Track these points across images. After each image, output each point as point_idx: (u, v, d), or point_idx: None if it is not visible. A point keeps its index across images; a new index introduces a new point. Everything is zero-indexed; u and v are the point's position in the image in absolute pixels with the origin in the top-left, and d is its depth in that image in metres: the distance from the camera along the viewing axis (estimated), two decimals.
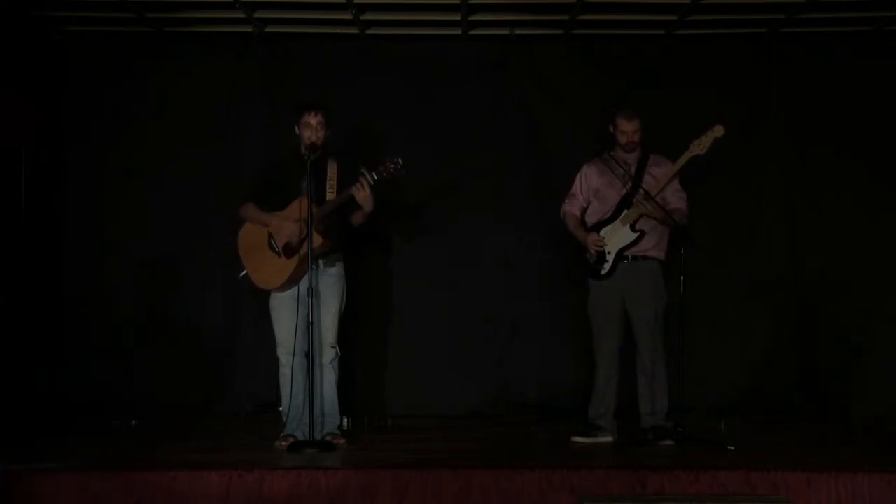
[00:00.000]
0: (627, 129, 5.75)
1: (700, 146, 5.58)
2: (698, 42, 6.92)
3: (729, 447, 5.36)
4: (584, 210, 5.94)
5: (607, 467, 4.84)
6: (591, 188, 5.89)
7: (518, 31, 6.86)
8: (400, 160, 5.44)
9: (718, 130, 5.56)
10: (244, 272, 5.69)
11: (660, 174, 5.73)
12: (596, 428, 5.77)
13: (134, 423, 6.46)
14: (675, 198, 5.76)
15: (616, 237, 5.74)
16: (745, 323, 6.89)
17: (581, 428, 5.83)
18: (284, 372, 5.61)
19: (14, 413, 6.07)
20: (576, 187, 5.96)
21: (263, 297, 5.80)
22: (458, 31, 6.83)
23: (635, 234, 5.70)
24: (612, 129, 5.81)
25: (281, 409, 5.79)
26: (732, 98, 6.81)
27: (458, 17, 6.57)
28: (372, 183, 5.40)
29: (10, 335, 6.28)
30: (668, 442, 5.48)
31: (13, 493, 4.62)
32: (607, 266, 5.75)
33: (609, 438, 5.74)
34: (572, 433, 5.81)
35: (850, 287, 6.78)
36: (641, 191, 5.66)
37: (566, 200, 5.98)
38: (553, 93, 6.99)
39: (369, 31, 6.86)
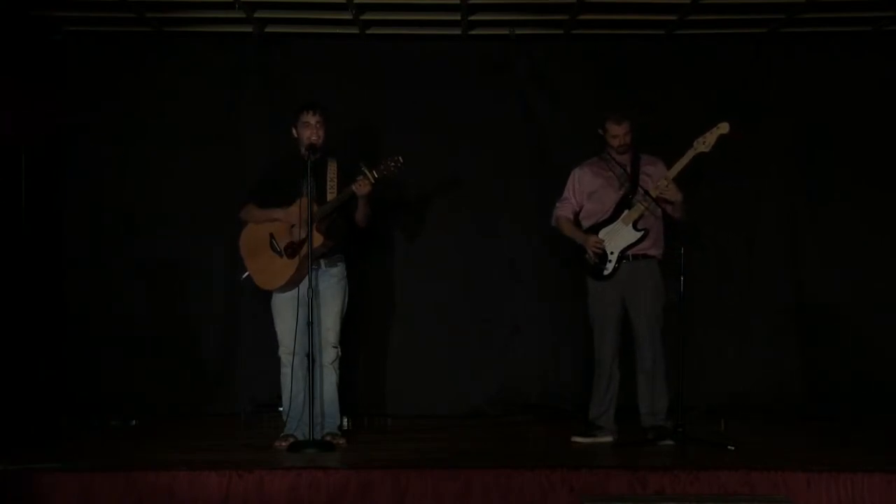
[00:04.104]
0: (618, 132, 5.72)
1: (704, 144, 5.53)
2: (698, 42, 6.92)
3: (729, 447, 5.36)
4: (576, 213, 5.91)
5: (607, 467, 4.84)
6: (584, 191, 5.86)
7: (518, 31, 6.86)
8: (401, 158, 5.44)
9: (723, 127, 5.52)
10: (246, 274, 5.69)
11: (654, 172, 5.71)
12: (596, 428, 5.77)
13: (134, 423, 6.46)
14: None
15: (618, 237, 5.71)
16: (745, 323, 6.89)
17: (581, 428, 5.83)
18: (285, 372, 5.60)
19: (14, 413, 6.06)
20: (568, 191, 5.92)
21: (263, 297, 5.80)
22: (458, 31, 6.83)
23: (639, 233, 5.68)
24: (602, 134, 5.78)
25: (281, 409, 5.80)
26: (732, 98, 6.81)
27: (458, 17, 6.57)
28: (373, 181, 5.40)
29: (10, 335, 6.27)
30: (668, 442, 5.48)
31: (13, 493, 4.62)
32: (611, 266, 5.73)
33: (609, 438, 5.73)
34: (572, 433, 5.80)
35: (850, 287, 6.78)
36: (640, 190, 5.65)
37: (558, 205, 5.94)
38: (553, 93, 6.99)
39: (369, 31, 6.85)
